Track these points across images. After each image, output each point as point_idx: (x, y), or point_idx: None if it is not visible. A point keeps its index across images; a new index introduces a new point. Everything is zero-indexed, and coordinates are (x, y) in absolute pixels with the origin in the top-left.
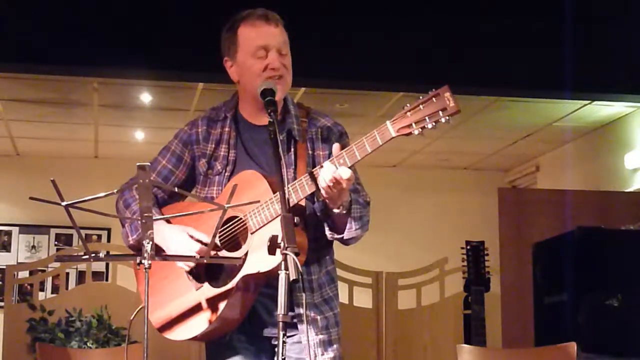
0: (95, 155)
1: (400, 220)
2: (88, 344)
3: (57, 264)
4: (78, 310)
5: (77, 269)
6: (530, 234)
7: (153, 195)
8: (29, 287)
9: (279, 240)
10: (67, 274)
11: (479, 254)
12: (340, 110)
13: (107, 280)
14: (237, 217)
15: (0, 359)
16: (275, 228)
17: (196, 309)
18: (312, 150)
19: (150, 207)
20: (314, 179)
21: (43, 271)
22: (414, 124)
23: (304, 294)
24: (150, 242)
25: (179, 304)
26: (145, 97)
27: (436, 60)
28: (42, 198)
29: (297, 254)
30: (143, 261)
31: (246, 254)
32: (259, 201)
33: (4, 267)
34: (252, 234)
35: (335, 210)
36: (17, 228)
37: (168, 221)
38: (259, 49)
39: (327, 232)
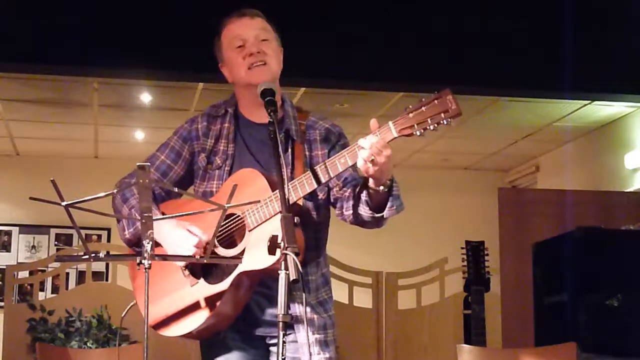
0: (95, 155)
1: (400, 220)
2: (88, 344)
3: (57, 264)
4: (78, 310)
5: (77, 269)
6: (530, 234)
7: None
8: (29, 287)
9: (279, 240)
10: (67, 274)
11: (479, 254)
12: (340, 110)
13: (107, 280)
14: (234, 214)
15: (0, 359)
16: (273, 226)
17: (191, 305)
18: (310, 151)
19: (150, 207)
20: (315, 176)
21: (43, 271)
22: (415, 125)
23: (304, 294)
24: (151, 242)
25: (173, 300)
26: (145, 97)
27: (436, 60)
28: (42, 198)
29: (297, 254)
30: (143, 261)
31: (243, 252)
32: (259, 201)
33: (4, 267)
34: (249, 231)
35: (380, 188)
36: (17, 228)
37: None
38: (236, 40)
39: (366, 212)
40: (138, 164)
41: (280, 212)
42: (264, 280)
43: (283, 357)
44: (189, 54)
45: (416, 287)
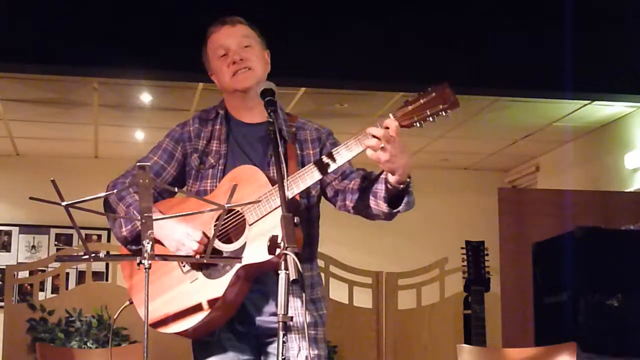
0: (95, 155)
1: (400, 220)
2: (88, 344)
3: (57, 264)
4: (78, 310)
5: (77, 269)
6: (530, 234)
7: None
8: (29, 287)
9: (279, 240)
10: (67, 274)
11: (479, 254)
12: (340, 110)
13: (107, 280)
14: (234, 209)
15: (0, 359)
16: (274, 219)
17: (191, 301)
18: (301, 151)
19: (150, 207)
20: (322, 165)
21: (43, 271)
22: (415, 117)
23: (304, 293)
24: (150, 242)
25: (171, 297)
26: (145, 97)
27: (436, 60)
28: (42, 198)
29: (297, 254)
30: (143, 261)
31: (243, 246)
32: (259, 200)
33: (4, 267)
34: (250, 225)
35: (399, 185)
36: (17, 228)
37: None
38: (219, 49)
39: (379, 206)
40: (138, 164)
41: (281, 209)
42: (259, 278)
43: (283, 357)
44: (189, 54)
45: (416, 287)
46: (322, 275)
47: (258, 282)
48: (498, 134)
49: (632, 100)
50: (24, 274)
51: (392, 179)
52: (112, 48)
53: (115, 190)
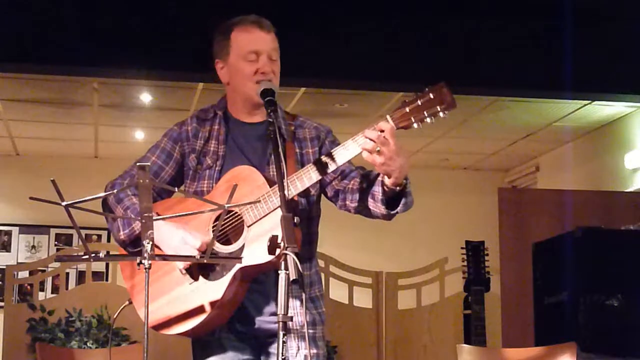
0: (95, 155)
1: (400, 220)
2: (88, 344)
3: (57, 264)
4: (78, 310)
5: (77, 269)
6: (530, 234)
7: None
8: (29, 287)
9: (279, 240)
10: (67, 274)
11: (479, 254)
12: (340, 110)
13: (107, 280)
14: (232, 210)
15: (0, 359)
16: (272, 221)
17: (190, 303)
18: (300, 149)
19: (150, 207)
20: (321, 166)
21: (43, 271)
22: (412, 118)
23: (303, 293)
24: (150, 242)
25: (172, 298)
26: (145, 97)
27: (436, 60)
28: (42, 198)
29: (297, 254)
30: (143, 261)
31: (242, 247)
32: (259, 200)
33: (4, 267)
34: (248, 227)
35: (397, 188)
36: (17, 228)
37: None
38: (251, 53)
39: (377, 208)
40: (138, 164)
41: (281, 209)
42: (259, 278)
43: (283, 357)
44: (189, 54)
45: (416, 287)
46: (322, 275)
47: (258, 282)
48: (498, 134)
49: (632, 100)
50: (24, 274)
51: (388, 181)
52: (112, 48)
53: (115, 190)
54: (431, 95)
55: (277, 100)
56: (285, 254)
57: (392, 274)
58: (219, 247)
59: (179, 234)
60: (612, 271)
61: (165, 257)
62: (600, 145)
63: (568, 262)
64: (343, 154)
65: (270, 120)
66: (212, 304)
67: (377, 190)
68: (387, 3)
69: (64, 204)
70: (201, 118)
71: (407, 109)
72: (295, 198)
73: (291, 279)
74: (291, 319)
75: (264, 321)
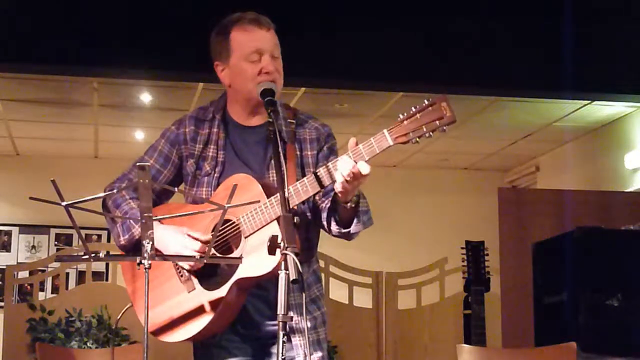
0: (95, 155)
1: (400, 220)
2: (88, 344)
3: (57, 264)
4: (78, 310)
5: (77, 269)
6: (530, 234)
7: None
8: (29, 287)
9: (279, 241)
10: (67, 274)
11: (479, 254)
12: (340, 110)
13: (107, 280)
14: (229, 220)
15: (0, 359)
16: (269, 233)
17: (189, 311)
18: (301, 151)
19: (150, 207)
20: (318, 180)
21: (43, 271)
22: (411, 133)
23: (303, 294)
24: (150, 242)
25: (171, 306)
26: (145, 97)
27: (436, 61)
28: (42, 198)
29: (297, 254)
30: (143, 261)
31: (241, 256)
32: (259, 201)
33: (4, 267)
34: (245, 237)
35: (347, 205)
36: (17, 228)
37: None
38: (253, 53)
39: (334, 227)
40: (138, 164)
41: (279, 215)
42: (261, 284)
43: (283, 357)
44: (189, 54)
45: (416, 287)
46: (322, 275)
47: (260, 287)
48: (498, 134)
49: (632, 100)
50: (24, 274)
51: (339, 198)
52: (112, 48)
53: (115, 190)
54: (430, 109)
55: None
56: (285, 254)
57: (392, 274)
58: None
59: (179, 239)
60: (612, 271)
61: (165, 257)
62: (600, 145)
63: (568, 262)
64: (326, 175)
65: (270, 120)
66: (210, 313)
67: (331, 207)
68: (387, 3)
69: (64, 204)
70: (200, 118)
71: (405, 123)
72: (295, 207)
73: (291, 279)
74: (291, 318)
75: (267, 324)
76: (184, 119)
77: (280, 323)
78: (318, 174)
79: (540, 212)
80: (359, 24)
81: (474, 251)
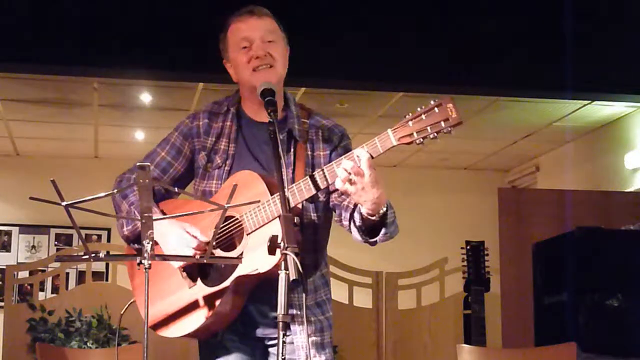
0: (95, 155)
1: (400, 220)
2: (88, 344)
3: (57, 264)
4: (78, 310)
5: (77, 269)
6: (530, 234)
7: None
8: (29, 287)
9: (279, 240)
10: (67, 274)
11: (479, 254)
12: (340, 110)
13: (107, 280)
14: (233, 217)
15: (0, 359)
16: (272, 230)
17: (189, 306)
18: (312, 151)
19: (150, 207)
20: (314, 182)
21: (43, 271)
22: (415, 133)
23: (304, 295)
24: (150, 242)
25: (172, 301)
26: (145, 97)
27: (436, 60)
28: (42, 198)
29: (297, 254)
30: (143, 261)
31: (241, 255)
32: (259, 201)
33: (4, 267)
34: (247, 234)
35: (373, 218)
36: (17, 228)
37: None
38: (242, 41)
39: (358, 237)
40: (138, 163)
41: (280, 213)
42: (262, 285)
43: (283, 357)
44: (189, 54)
45: (416, 287)
46: None
47: (261, 286)
48: (498, 134)
49: (632, 100)
50: (24, 274)
51: (363, 210)
52: (112, 48)
53: (114, 191)
54: (436, 110)
55: (291, 96)
56: (285, 254)
57: (392, 274)
58: (219, 253)
59: (176, 234)
60: (612, 271)
61: (165, 257)
62: (600, 145)
63: (568, 262)
64: (334, 171)
65: (271, 120)
66: (210, 309)
67: (357, 217)
68: (387, 3)
69: (64, 204)
70: (214, 112)
71: (410, 124)
72: (300, 205)
73: (291, 279)
74: (291, 318)
75: (268, 324)
76: (198, 113)
77: (281, 323)
78: (314, 176)
79: (540, 212)
80: (359, 23)
81: (474, 251)
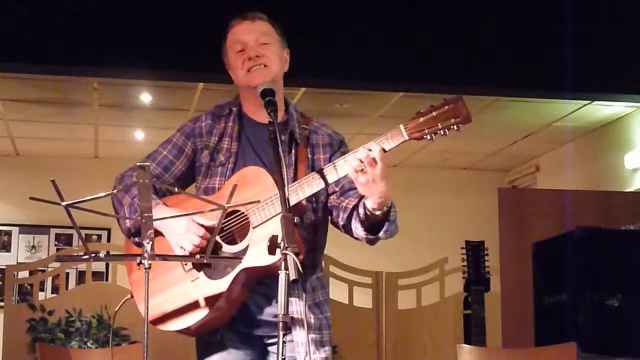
0: (95, 155)
1: (400, 220)
2: (88, 344)
3: (57, 264)
4: (78, 310)
5: (77, 269)
6: (530, 234)
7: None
8: (29, 287)
9: (279, 240)
10: (67, 274)
11: (479, 254)
12: (340, 110)
13: (107, 280)
14: (239, 210)
15: (0, 359)
16: (278, 223)
17: (191, 300)
18: (312, 155)
19: (150, 207)
20: (323, 176)
21: (43, 271)
22: (426, 129)
23: (303, 294)
24: (150, 242)
25: (172, 295)
26: (145, 97)
27: (436, 60)
28: (42, 198)
29: (297, 254)
30: (143, 261)
31: (246, 248)
32: (259, 201)
33: (4, 267)
34: (253, 228)
35: (378, 213)
36: (17, 228)
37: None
38: (237, 44)
39: (360, 232)
40: (138, 163)
41: (281, 208)
42: (263, 279)
43: (283, 357)
44: (189, 54)
45: (416, 287)
46: None
47: (261, 284)
48: (498, 134)
49: (632, 100)
50: (24, 274)
51: (368, 204)
52: (112, 48)
53: (114, 191)
54: (447, 108)
55: (291, 103)
56: (285, 254)
57: (392, 274)
58: (225, 247)
59: (182, 222)
60: (612, 271)
61: (165, 257)
62: (600, 145)
63: (568, 262)
64: (343, 165)
65: (271, 120)
66: (212, 303)
67: (360, 211)
68: (387, 3)
69: (64, 204)
70: (217, 114)
71: (421, 120)
72: (303, 202)
73: (291, 279)
74: (291, 318)
75: (267, 322)
76: (200, 115)
77: (281, 323)
78: (323, 170)
79: (540, 212)
80: (359, 24)
81: (474, 251)
